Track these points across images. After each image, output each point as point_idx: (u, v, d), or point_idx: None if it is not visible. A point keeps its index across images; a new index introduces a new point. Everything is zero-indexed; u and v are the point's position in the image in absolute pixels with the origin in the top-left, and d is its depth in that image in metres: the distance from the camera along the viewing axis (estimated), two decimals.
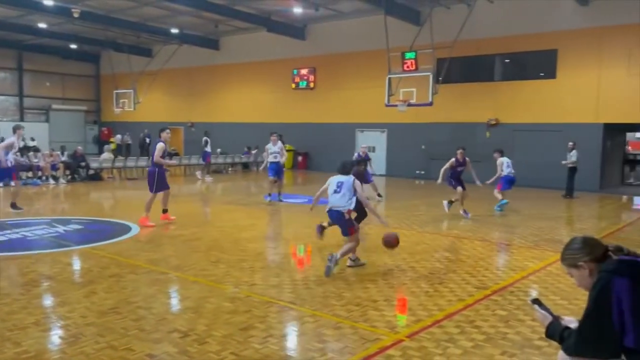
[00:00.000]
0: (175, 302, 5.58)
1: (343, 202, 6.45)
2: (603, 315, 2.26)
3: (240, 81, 27.20)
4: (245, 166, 24.68)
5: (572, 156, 15.20)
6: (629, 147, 22.49)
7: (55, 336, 4.46)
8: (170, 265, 6.83)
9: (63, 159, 18.27)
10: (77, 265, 7.06)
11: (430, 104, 16.80)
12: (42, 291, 5.73)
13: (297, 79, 24.71)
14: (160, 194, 9.83)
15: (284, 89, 25.24)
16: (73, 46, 30.78)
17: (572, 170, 15.29)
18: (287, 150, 24.95)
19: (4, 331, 4.43)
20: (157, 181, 9.68)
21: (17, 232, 8.79)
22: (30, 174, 17.45)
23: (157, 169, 9.70)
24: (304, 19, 23.13)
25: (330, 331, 4.56)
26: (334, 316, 4.95)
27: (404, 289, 6.01)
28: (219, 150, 24.62)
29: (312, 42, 24.19)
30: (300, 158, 24.82)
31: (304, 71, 24.45)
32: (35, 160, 17.79)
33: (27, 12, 22.36)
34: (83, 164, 18.50)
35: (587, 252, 2.47)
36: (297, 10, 21.42)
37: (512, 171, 12.07)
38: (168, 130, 10.22)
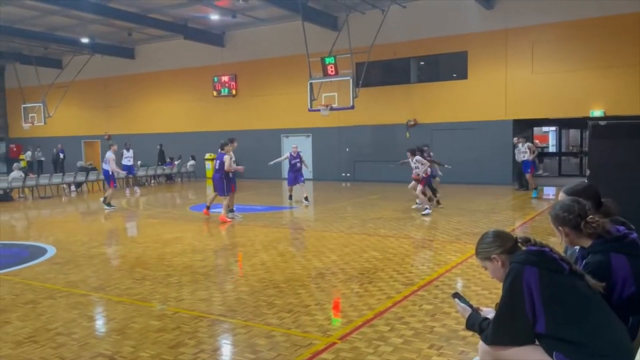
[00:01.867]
0: (98, 325, 5.32)
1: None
2: (516, 304, 2.40)
3: (160, 90, 26.42)
4: (169, 177, 24.00)
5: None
6: (537, 141, 24.06)
7: None
8: (91, 287, 6.50)
9: None
10: None
11: (352, 107, 17.13)
12: None
13: (218, 86, 24.36)
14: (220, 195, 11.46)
15: (205, 96, 24.81)
16: None
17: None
18: (210, 159, 24.71)
19: None
20: (226, 184, 11.29)
21: None
22: None
23: (221, 175, 11.27)
24: (222, 25, 22.86)
25: (262, 341, 4.53)
26: (266, 325, 4.92)
27: (335, 292, 6.08)
28: (139, 162, 23.78)
29: (231, 49, 23.96)
30: None
31: (225, 78, 24.16)
32: None
33: None
34: None
35: (498, 245, 2.61)
36: (214, 17, 21.14)
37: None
38: (230, 142, 11.53)
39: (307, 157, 22.39)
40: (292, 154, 14.50)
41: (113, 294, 6.12)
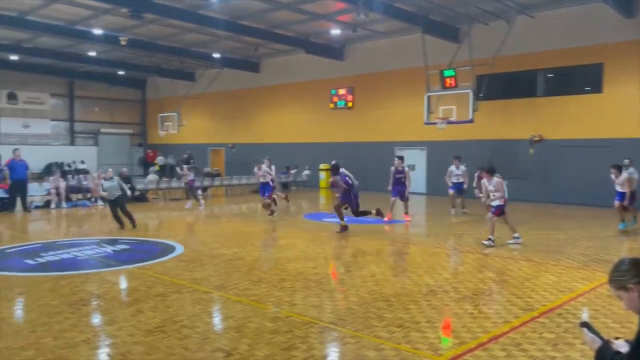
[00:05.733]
0: (218, 322, 5.66)
1: None
2: None
3: (280, 102, 27.60)
4: (285, 186, 24.87)
5: None
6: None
7: (104, 354, 4.60)
8: (213, 285, 6.94)
9: None
10: (124, 284, 7.27)
11: (471, 121, 16.59)
12: (91, 310, 5.93)
13: (335, 99, 24.87)
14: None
15: (322, 109, 25.45)
16: (121, 72, 32.00)
17: None
18: (325, 170, 25.20)
19: (56, 349, 4.60)
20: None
21: (68, 252, 9.14)
22: (80, 195, 18.09)
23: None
24: (342, 39, 23.37)
25: (371, 353, 4.52)
26: (375, 337, 4.91)
27: (447, 310, 5.90)
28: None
29: (350, 62, 24.38)
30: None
31: (342, 91, 24.60)
32: (85, 182, 18.44)
33: (77, 41, 23.43)
34: (129, 185, 19.00)
35: (635, 273, 2.39)
36: (335, 31, 21.68)
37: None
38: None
39: (421, 170, 22.10)
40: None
41: (232, 294, 6.47)
